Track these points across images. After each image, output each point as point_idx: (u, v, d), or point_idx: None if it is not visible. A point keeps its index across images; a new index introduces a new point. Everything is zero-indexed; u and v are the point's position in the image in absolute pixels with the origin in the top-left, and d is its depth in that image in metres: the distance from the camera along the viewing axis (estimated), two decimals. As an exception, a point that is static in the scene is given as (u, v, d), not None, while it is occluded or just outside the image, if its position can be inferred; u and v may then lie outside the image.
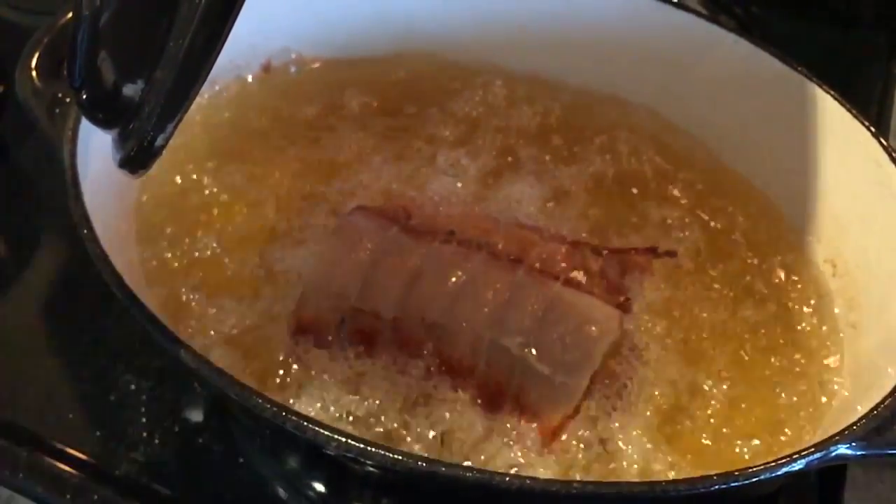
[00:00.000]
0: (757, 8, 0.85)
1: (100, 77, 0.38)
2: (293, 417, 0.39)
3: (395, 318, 0.49)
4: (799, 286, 0.57)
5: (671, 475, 0.46)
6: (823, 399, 0.51)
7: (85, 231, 0.45)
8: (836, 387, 0.51)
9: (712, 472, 0.40)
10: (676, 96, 0.65)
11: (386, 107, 0.64)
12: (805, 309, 0.56)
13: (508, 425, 0.47)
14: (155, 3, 0.37)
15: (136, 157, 0.39)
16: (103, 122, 0.40)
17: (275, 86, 0.64)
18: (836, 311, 0.55)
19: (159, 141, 0.38)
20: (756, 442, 0.49)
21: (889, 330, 0.51)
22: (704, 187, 0.62)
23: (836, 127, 0.57)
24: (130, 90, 0.38)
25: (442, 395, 0.48)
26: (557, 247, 0.52)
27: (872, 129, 0.56)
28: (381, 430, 0.47)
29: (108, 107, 0.39)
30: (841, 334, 0.54)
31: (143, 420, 0.53)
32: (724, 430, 0.49)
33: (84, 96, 0.39)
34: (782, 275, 0.57)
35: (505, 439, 0.47)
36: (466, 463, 0.46)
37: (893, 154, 0.54)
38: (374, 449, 0.39)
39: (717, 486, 0.39)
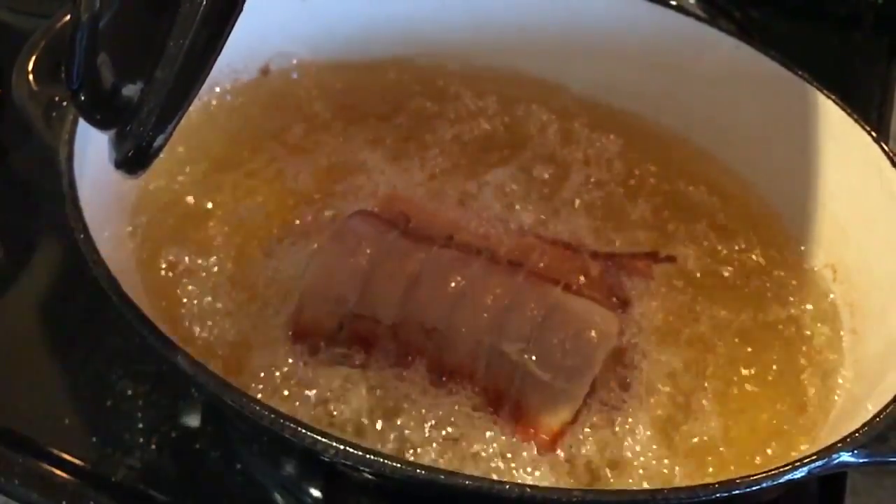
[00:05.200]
0: (756, 12, 0.85)
1: (98, 78, 0.38)
2: (291, 424, 0.39)
3: (395, 324, 0.48)
4: (799, 291, 0.57)
5: (672, 483, 0.46)
6: (825, 405, 0.51)
7: (81, 235, 0.44)
8: (837, 393, 0.51)
9: (714, 480, 0.40)
10: (676, 101, 0.64)
11: (385, 110, 0.64)
12: (805, 314, 0.55)
13: (508, 431, 0.47)
14: (155, 3, 0.36)
15: (133, 158, 0.38)
16: (101, 123, 0.39)
17: (273, 89, 0.64)
18: (837, 316, 0.55)
19: (158, 141, 0.38)
20: (758, 448, 0.48)
21: (891, 335, 0.51)
22: (704, 192, 0.62)
23: (837, 131, 0.57)
24: (129, 91, 0.37)
25: (441, 400, 0.48)
26: (557, 251, 0.52)
27: (873, 133, 0.55)
28: (379, 435, 0.47)
29: (107, 107, 0.38)
30: (842, 340, 0.54)
31: (140, 425, 0.53)
32: (726, 436, 0.49)
33: (82, 98, 0.38)
34: (782, 279, 0.57)
35: (505, 446, 0.46)
36: (465, 470, 0.46)
37: (894, 158, 0.54)
38: (371, 456, 0.38)
39: (718, 494, 0.39)
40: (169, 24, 0.35)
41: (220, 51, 0.36)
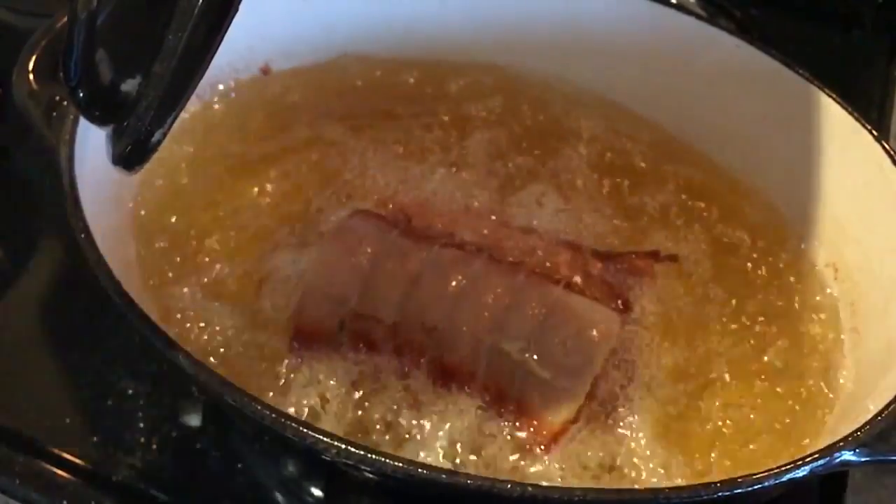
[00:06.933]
0: (756, 10, 0.85)
1: (96, 74, 0.37)
2: (292, 423, 0.39)
3: (395, 323, 0.48)
4: (800, 290, 0.57)
5: (674, 482, 0.46)
6: (826, 404, 0.51)
7: (82, 235, 0.44)
8: (838, 392, 0.51)
9: (715, 479, 0.39)
10: (676, 99, 0.64)
11: (386, 109, 0.64)
12: (806, 313, 0.55)
13: (509, 430, 0.47)
14: (154, -3, 0.36)
15: (131, 154, 0.38)
16: (99, 119, 0.39)
17: (273, 88, 0.64)
18: (838, 315, 0.55)
19: (156, 137, 0.38)
20: (759, 447, 0.48)
21: (892, 334, 0.51)
22: (705, 191, 0.62)
23: (838, 130, 0.57)
24: (128, 86, 0.37)
25: (442, 399, 0.48)
26: (558, 250, 0.52)
27: (874, 132, 0.55)
28: (380, 435, 0.47)
29: (105, 103, 0.38)
30: (843, 338, 0.54)
31: (141, 425, 0.53)
32: (727, 435, 0.49)
33: (80, 94, 0.38)
34: (783, 278, 0.57)
35: (506, 445, 0.46)
36: (466, 469, 0.46)
37: (895, 157, 0.54)
38: (373, 456, 0.38)
39: (720, 493, 0.39)
40: (167, 18, 0.35)
41: (219, 45, 0.36)
